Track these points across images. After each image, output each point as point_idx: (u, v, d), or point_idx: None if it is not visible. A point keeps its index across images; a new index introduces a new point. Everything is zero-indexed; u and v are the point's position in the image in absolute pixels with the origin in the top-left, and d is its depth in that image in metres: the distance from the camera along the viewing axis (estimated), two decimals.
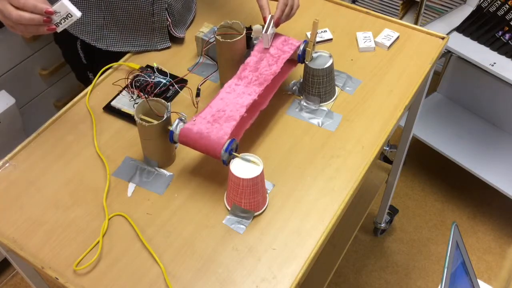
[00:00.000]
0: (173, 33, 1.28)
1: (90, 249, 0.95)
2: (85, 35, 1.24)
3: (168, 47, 1.29)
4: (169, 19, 1.26)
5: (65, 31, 1.25)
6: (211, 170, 1.05)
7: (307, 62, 1.11)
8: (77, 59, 1.32)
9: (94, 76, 1.22)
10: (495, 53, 1.72)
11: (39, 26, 0.94)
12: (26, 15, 0.91)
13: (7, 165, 1.08)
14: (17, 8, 0.91)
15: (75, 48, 1.29)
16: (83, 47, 1.28)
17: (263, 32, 1.07)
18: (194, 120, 0.98)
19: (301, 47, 1.10)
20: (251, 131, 1.08)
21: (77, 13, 0.96)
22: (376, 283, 1.84)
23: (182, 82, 1.20)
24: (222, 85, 1.18)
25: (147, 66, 1.24)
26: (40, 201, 1.02)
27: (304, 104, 1.16)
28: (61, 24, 0.96)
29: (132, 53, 1.28)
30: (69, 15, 0.95)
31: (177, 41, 1.31)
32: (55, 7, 0.94)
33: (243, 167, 0.93)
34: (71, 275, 0.92)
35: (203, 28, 1.23)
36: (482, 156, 1.91)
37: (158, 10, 1.22)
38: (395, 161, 1.64)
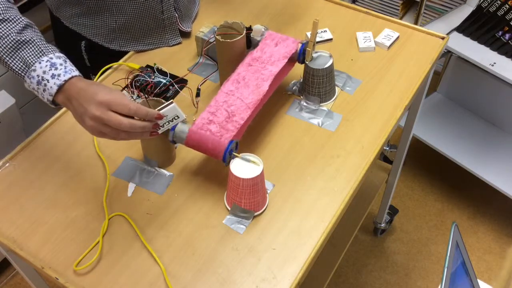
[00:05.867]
0: (180, 28, 1.29)
1: (90, 249, 0.95)
2: (98, 38, 1.24)
3: (179, 43, 1.30)
4: (176, 14, 1.26)
5: (68, 32, 1.26)
6: (211, 170, 1.05)
7: (307, 62, 1.11)
8: (80, 61, 1.31)
9: None
10: (495, 53, 1.72)
11: (144, 132, 0.89)
12: (139, 123, 0.86)
13: (7, 165, 1.08)
14: (120, 114, 0.85)
15: (79, 50, 1.28)
16: (87, 49, 1.28)
17: None
18: (194, 121, 0.98)
19: (300, 47, 1.10)
20: (251, 131, 1.08)
21: (184, 115, 0.92)
22: (376, 283, 1.84)
23: (182, 82, 1.20)
24: (222, 85, 1.18)
25: (147, 66, 1.24)
26: (40, 201, 1.02)
27: (304, 104, 1.16)
28: (163, 127, 0.92)
29: (134, 52, 1.28)
30: (176, 117, 0.91)
31: (181, 36, 1.30)
32: (165, 111, 0.90)
33: (243, 167, 0.93)
34: (71, 275, 0.92)
35: (203, 28, 1.23)
36: (482, 156, 1.91)
37: (166, 7, 1.23)
38: (395, 161, 1.64)
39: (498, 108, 1.99)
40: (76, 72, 0.90)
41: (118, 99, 0.85)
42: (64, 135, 1.13)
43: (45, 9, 1.31)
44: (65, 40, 1.33)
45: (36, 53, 0.90)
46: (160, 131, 0.92)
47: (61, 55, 0.92)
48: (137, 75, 1.20)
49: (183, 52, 1.29)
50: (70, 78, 0.88)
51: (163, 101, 0.99)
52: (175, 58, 1.27)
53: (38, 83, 0.89)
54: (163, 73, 1.21)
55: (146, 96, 1.15)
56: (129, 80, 1.18)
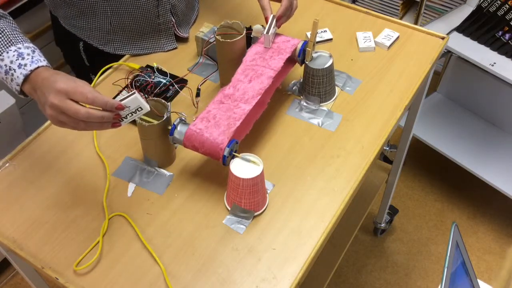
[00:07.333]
0: (177, 33, 1.28)
1: (90, 249, 0.95)
2: (93, 40, 1.24)
3: (175, 48, 1.29)
4: (173, 20, 1.26)
5: (67, 32, 1.26)
6: (211, 170, 1.05)
7: (307, 62, 1.11)
8: (79, 61, 1.31)
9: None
10: (495, 53, 1.72)
11: (104, 123, 0.85)
12: (97, 113, 0.82)
13: (7, 165, 1.08)
14: (77, 103, 0.82)
15: (78, 50, 1.28)
16: (85, 49, 1.28)
17: (265, 32, 1.07)
18: (194, 121, 0.98)
19: (300, 47, 1.10)
20: (251, 131, 1.08)
21: (148, 106, 0.88)
22: (376, 283, 1.84)
23: (182, 82, 1.20)
24: (222, 85, 1.19)
25: (147, 66, 1.24)
26: (40, 201, 1.02)
27: (304, 104, 1.16)
28: (126, 118, 0.87)
29: (130, 55, 1.28)
30: (139, 109, 0.87)
31: (178, 41, 1.31)
32: (127, 101, 0.85)
33: (243, 167, 0.93)
34: (71, 275, 0.92)
35: (203, 28, 1.23)
36: (482, 156, 1.91)
37: (163, 12, 1.22)
38: (395, 161, 1.64)
39: (498, 108, 1.99)
40: (43, 63, 0.89)
41: (76, 87, 0.82)
42: (64, 135, 1.13)
43: (45, 9, 1.31)
44: (65, 40, 1.33)
45: (5, 43, 0.89)
46: (123, 123, 0.88)
47: (31, 45, 0.91)
48: (137, 75, 1.20)
49: (183, 52, 1.29)
50: (36, 68, 0.88)
51: (163, 101, 1.00)
52: (175, 58, 1.27)
53: (6, 72, 0.89)
54: (163, 73, 1.21)
55: (146, 96, 1.15)
56: (129, 80, 1.18)
